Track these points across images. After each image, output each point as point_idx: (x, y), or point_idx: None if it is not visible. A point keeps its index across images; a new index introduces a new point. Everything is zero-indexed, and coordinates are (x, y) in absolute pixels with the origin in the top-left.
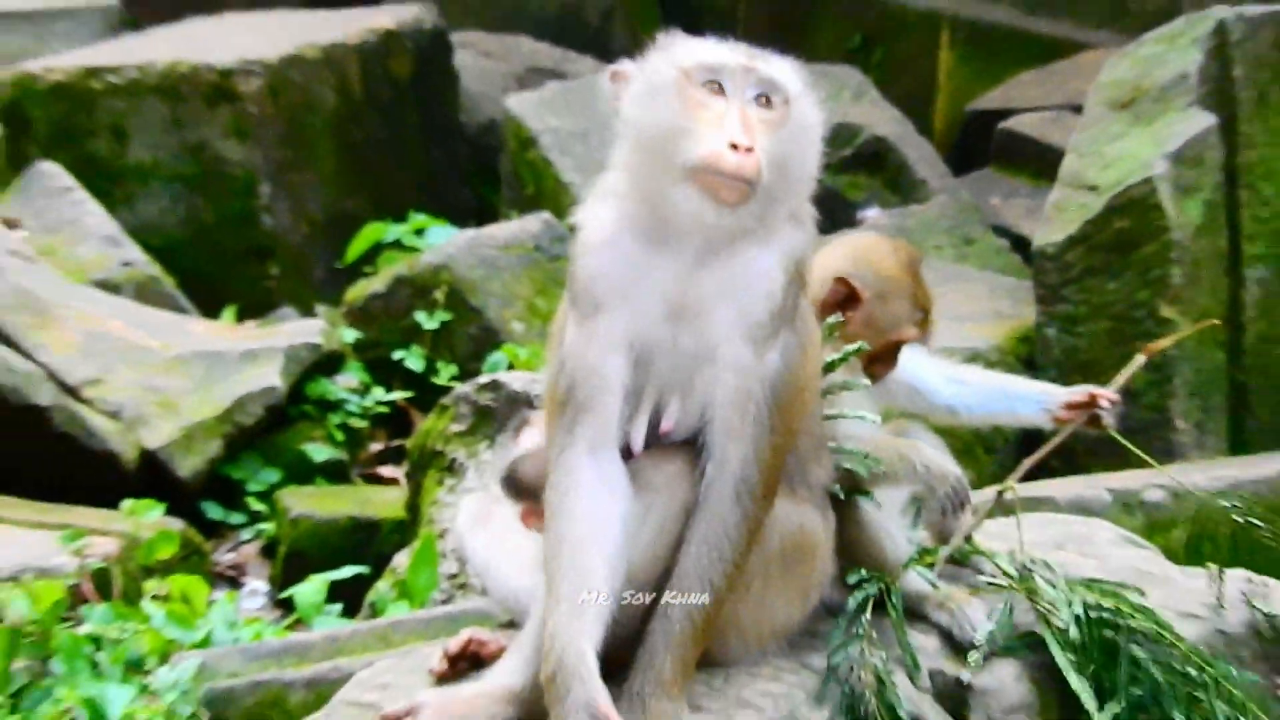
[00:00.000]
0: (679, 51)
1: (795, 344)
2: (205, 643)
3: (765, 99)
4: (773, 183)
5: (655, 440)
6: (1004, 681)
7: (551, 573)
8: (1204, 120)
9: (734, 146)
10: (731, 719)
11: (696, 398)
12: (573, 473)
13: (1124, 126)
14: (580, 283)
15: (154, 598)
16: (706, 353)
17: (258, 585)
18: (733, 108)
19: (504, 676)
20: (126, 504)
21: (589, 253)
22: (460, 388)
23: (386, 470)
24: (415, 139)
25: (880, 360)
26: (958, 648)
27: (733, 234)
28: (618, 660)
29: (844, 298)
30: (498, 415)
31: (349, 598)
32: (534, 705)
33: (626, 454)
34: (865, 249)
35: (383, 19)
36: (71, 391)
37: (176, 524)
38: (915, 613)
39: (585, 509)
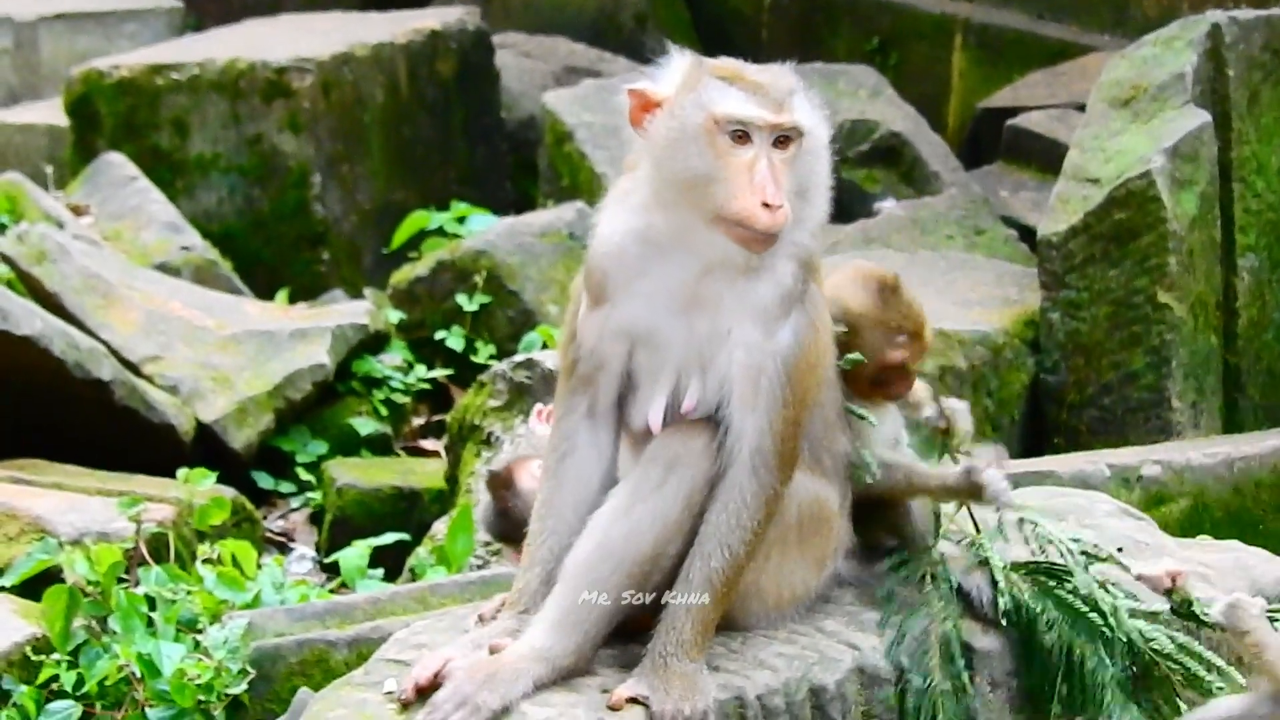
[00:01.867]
0: (709, 96)
1: (806, 322)
2: (254, 604)
3: (785, 140)
4: (797, 208)
5: (680, 419)
6: (1005, 646)
7: (534, 532)
8: (1199, 118)
9: (766, 205)
10: (749, 679)
11: (714, 377)
12: (568, 437)
13: (1124, 123)
14: (592, 276)
15: (206, 561)
16: (720, 335)
17: (305, 551)
18: (760, 160)
19: (533, 638)
20: (182, 472)
21: (603, 252)
22: (497, 366)
23: (428, 443)
24: (459, 134)
25: (883, 383)
26: (974, 614)
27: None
28: (642, 623)
29: None
30: (533, 391)
31: (391, 563)
32: (563, 665)
33: (648, 433)
34: (837, 287)
35: (429, 21)
36: (133, 367)
37: (229, 492)
38: (939, 579)
39: (574, 472)
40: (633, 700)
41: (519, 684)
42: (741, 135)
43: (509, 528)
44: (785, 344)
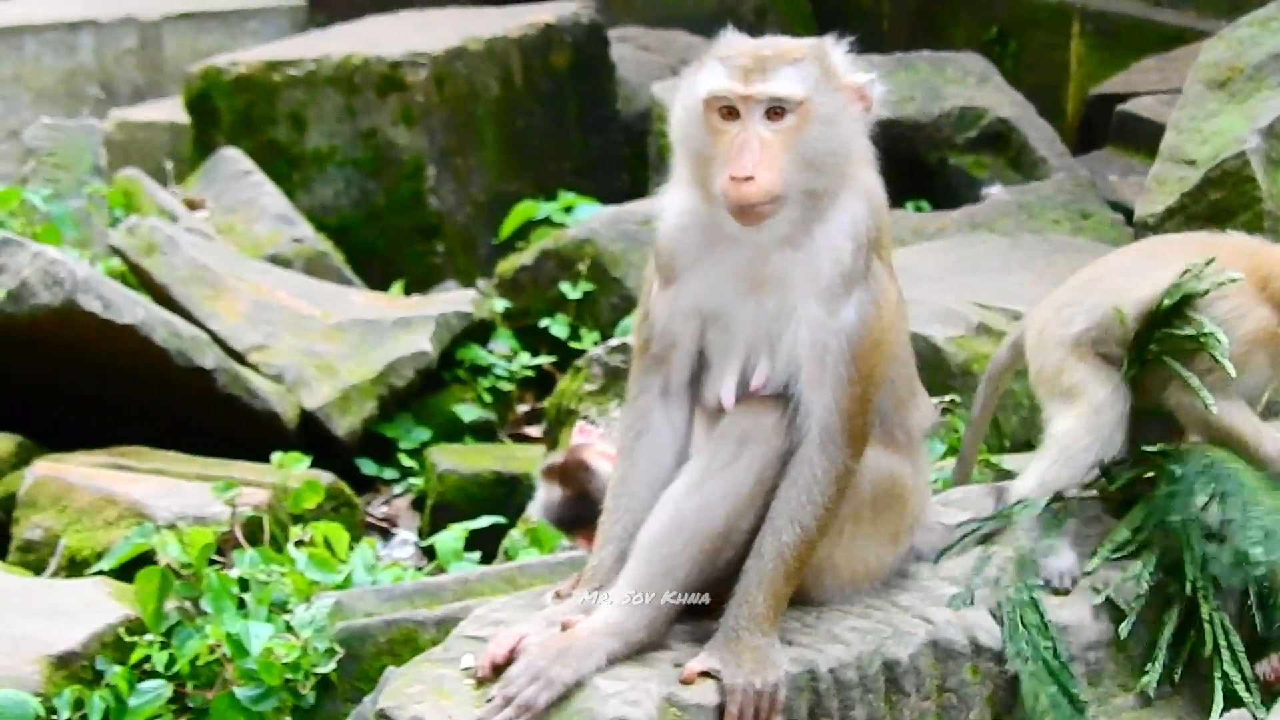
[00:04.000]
0: (701, 76)
1: (869, 299)
2: (345, 585)
3: (777, 111)
4: (807, 179)
5: (752, 396)
6: (1083, 619)
7: (609, 510)
8: None
9: (734, 179)
10: (821, 652)
11: (782, 355)
12: (643, 416)
13: (1219, 104)
14: (661, 257)
15: (298, 543)
16: (786, 313)
17: (408, 535)
18: (743, 133)
19: (607, 614)
20: (276, 457)
21: (667, 234)
22: (592, 350)
23: (532, 430)
24: (574, 126)
25: None
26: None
27: (781, 236)
28: (716, 597)
29: None
30: (627, 375)
31: (490, 547)
32: (636, 639)
33: (721, 411)
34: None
35: (543, 15)
36: (238, 356)
37: (325, 476)
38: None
39: (648, 451)
40: (705, 674)
41: (592, 659)
42: (728, 111)
43: (589, 512)
44: (849, 322)
